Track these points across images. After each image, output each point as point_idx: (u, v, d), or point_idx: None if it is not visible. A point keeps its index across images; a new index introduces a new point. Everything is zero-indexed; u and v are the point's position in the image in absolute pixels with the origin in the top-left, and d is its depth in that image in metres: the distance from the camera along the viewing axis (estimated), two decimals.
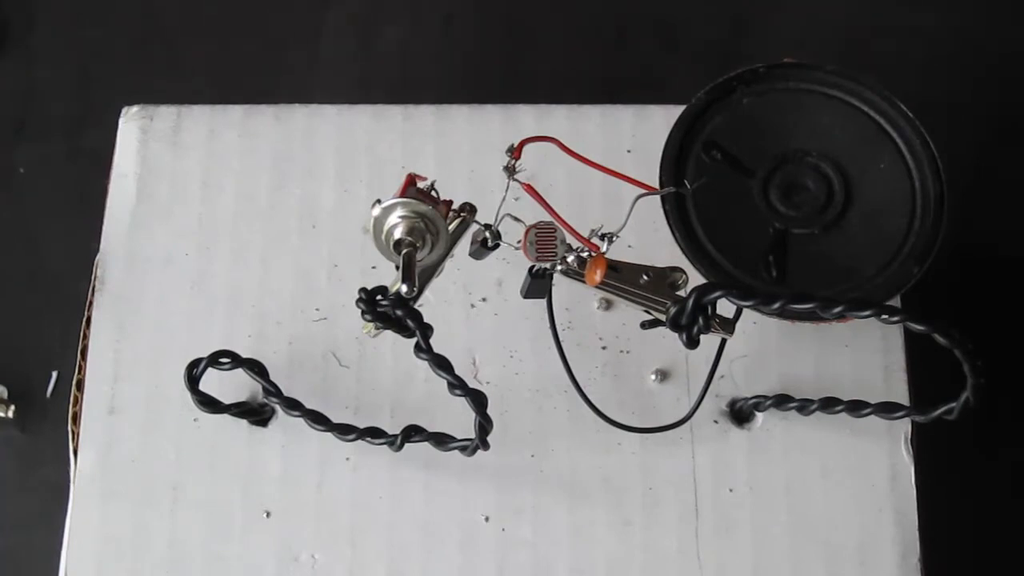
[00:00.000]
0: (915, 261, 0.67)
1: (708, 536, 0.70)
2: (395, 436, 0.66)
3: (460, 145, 0.78)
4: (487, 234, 0.59)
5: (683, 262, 0.64)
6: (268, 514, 0.70)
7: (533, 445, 0.71)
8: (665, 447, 0.71)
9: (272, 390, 0.68)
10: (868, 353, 0.73)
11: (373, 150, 0.78)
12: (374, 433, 0.67)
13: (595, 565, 0.69)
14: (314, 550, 0.69)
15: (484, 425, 0.59)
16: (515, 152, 0.58)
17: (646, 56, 1.23)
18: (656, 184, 0.66)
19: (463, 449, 0.65)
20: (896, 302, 0.69)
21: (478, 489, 0.70)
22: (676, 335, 0.58)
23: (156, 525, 0.70)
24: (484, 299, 0.74)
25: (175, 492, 0.70)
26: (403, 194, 0.56)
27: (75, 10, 1.26)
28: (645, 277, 0.60)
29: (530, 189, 0.58)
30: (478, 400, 0.57)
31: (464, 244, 0.61)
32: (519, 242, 0.58)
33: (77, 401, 0.73)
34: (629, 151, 0.77)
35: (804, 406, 0.69)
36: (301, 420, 0.68)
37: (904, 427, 0.71)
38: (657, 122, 0.76)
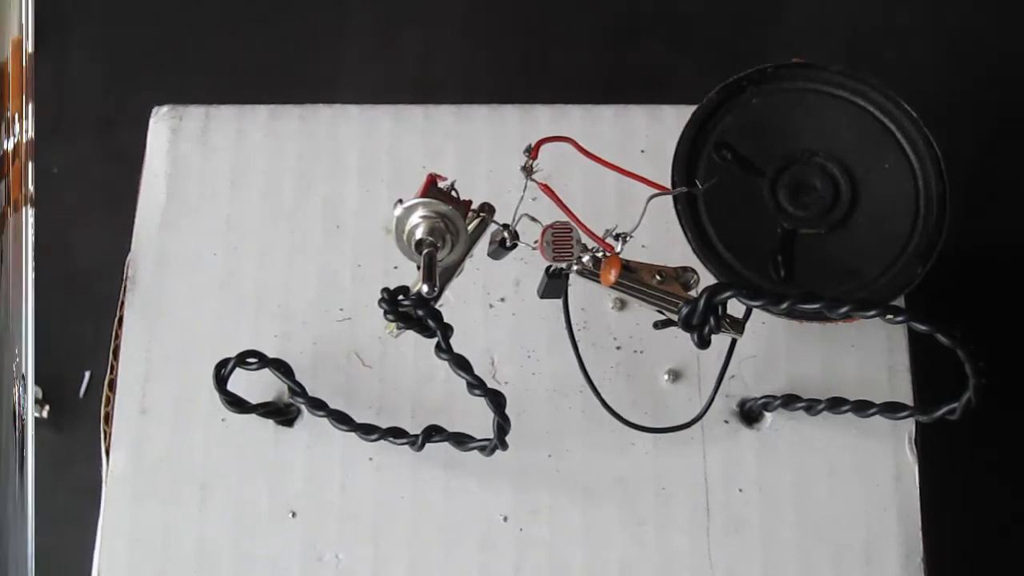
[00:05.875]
0: (919, 261, 0.67)
1: (719, 536, 0.69)
2: (416, 436, 0.67)
3: (479, 145, 0.77)
4: (505, 234, 0.59)
5: (694, 262, 0.65)
6: (294, 514, 0.70)
7: (550, 445, 0.71)
8: (677, 447, 0.71)
9: (298, 390, 0.68)
10: (873, 353, 0.72)
11: (395, 150, 0.78)
12: (396, 433, 0.68)
13: (609, 564, 0.69)
14: (338, 550, 0.69)
15: (503, 425, 0.60)
16: (532, 152, 0.58)
17: (656, 55, 1.23)
18: (668, 184, 0.67)
19: (482, 449, 0.66)
20: (900, 302, 0.69)
21: (496, 489, 0.70)
22: (688, 335, 0.59)
23: (185, 524, 0.70)
24: (502, 299, 0.74)
25: (203, 491, 0.70)
26: (424, 194, 0.56)
27: (107, 10, 1.26)
28: (658, 277, 0.60)
29: (547, 189, 0.58)
30: (497, 400, 0.58)
31: (483, 244, 0.61)
32: (536, 242, 0.58)
33: (109, 401, 0.73)
34: (643, 151, 0.77)
35: (811, 406, 0.69)
36: (325, 420, 0.68)
37: (908, 427, 0.71)
38: (669, 122, 0.76)
